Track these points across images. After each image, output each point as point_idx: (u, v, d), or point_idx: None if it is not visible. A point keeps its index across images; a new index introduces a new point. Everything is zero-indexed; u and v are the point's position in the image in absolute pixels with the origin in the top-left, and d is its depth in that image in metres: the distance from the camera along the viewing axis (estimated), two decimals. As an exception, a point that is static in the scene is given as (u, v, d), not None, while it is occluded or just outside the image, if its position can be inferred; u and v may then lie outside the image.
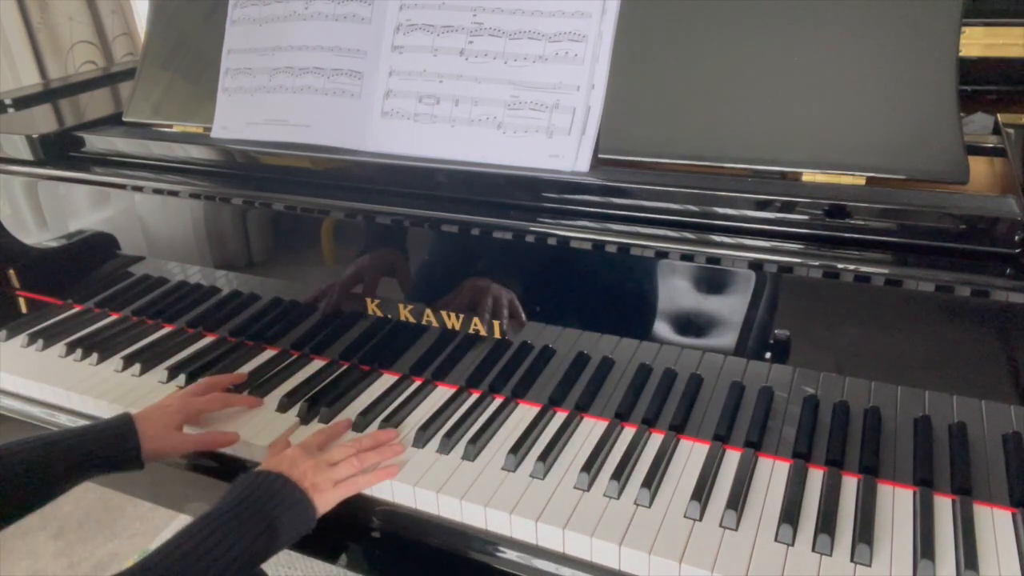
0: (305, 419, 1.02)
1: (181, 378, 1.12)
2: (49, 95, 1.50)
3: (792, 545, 0.79)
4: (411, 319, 1.04)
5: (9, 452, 0.85)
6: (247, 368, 1.14)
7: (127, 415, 0.94)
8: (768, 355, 0.86)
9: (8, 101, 1.43)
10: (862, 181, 0.83)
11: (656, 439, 0.94)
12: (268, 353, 1.17)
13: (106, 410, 1.08)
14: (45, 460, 0.86)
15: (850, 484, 0.85)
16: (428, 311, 1.02)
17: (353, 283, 1.07)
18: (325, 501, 0.85)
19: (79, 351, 1.20)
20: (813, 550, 0.78)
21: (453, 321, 1.01)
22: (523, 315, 0.97)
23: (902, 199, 0.79)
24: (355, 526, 0.93)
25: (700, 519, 0.82)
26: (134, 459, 0.92)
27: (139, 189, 1.16)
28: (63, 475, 0.87)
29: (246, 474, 0.84)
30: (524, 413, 1.01)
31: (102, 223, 1.24)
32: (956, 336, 0.78)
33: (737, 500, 0.83)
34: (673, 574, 0.78)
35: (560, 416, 0.99)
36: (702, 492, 0.84)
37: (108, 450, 0.90)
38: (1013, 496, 0.81)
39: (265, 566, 0.92)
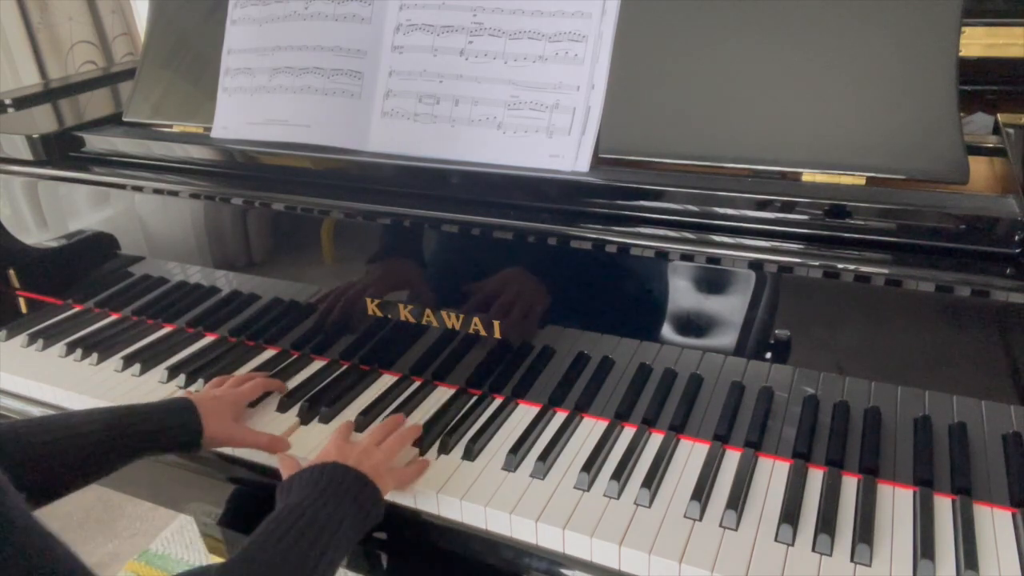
0: (305, 419, 1.02)
1: (181, 378, 1.12)
2: (49, 95, 1.50)
3: (792, 545, 0.79)
4: (411, 319, 1.04)
5: (86, 423, 0.84)
6: (247, 368, 1.14)
7: (187, 400, 0.94)
8: (768, 355, 0.86)
9: (8, 101, 1.43)
10: (862, 181, 0.83)
11: (656, 439, 0.94)
12: (268, 353, 1.17)
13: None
14: (116, 436, 0.85)
15: (850, 484, 0.85)
16: (428, 311, 1.02)
17: (353, 283, 1.07)
18: (385, 486, 0.84)
19: (79, 351, 1.20)
20: (813, 550, 0.78)
21: (453, 321, 1.01)
22: (523, 315, 0.97)
23: (902, 199, 0.79)
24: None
25: (700, 519, 0.82)
26: (195, 441, 0.92)
27: (139, 189, 1.16)
28: (127, 452, 0.87)
29: (306, 468, 0.82)
30: (524, 413, 1.01)
31: (102, 223, 1.24)
32: (956, 336, 0.78)
33: (737, 500, 0.83)
34: (673, 574, 0.78)
35: (560, 416, 0.99)
36: (702, 492, 0.84)
37: (173, 432, 0.90)
38: (1013, 496, 0.81)
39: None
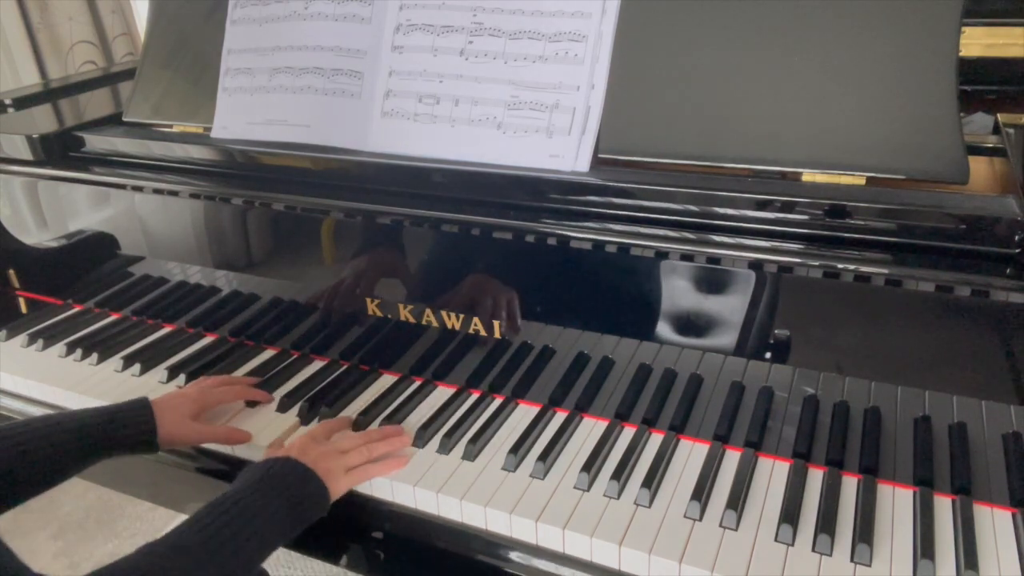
0: (305, 419, 1.02)
1: (181, 378, 1.12)
2: (49, 95, 1.50)
3: (792, 545, 0.79)
4: (411, 319, 1.04)
5: (30, 431, 0.85)
6: (247, 368, 1.14)
7: (144, 399, 0.94)
8: (768, 355, 0.86)
9: (8, 101, 1.43)
10: (862, 181, 0.83)
11: (656, 439, 0.94)
12: (268, 353, 1.17)
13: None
14: (65, 442, 0.86)
15: (850, 484, 0.85)
16: (428, 311, 1.02)
17: (353, 283, 1.07)
18: (338, 486, 0.86)
19: (79, 351, 1.19)
20: (813, 550, 0.78)
21: (453, 321, 1.01)
22: (523, 315, 0.97)
23: (902, 199, 0.79)
24: (355, 526, 0.93)
25: (700, 519, 0.82)
26: (150, 443, 0.92)
27: (139, 189, 1.16)
28: (80, 456, 0.87)
29: (256, 462, 0.85)
30: (524, 413, 1.01)
31: (102, 223, 1.24)
32: (956, 336, 0.78)
33: (737, 500, 0.83)
34: (673, 574, 0.78)
35: (560, 416, 0.99)
36: (702, 492, 0.84)
37: (126, 433, 0.90)
38: (1013, 496, 0.81)
39: (265, 565, 0.92)
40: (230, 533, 0.74)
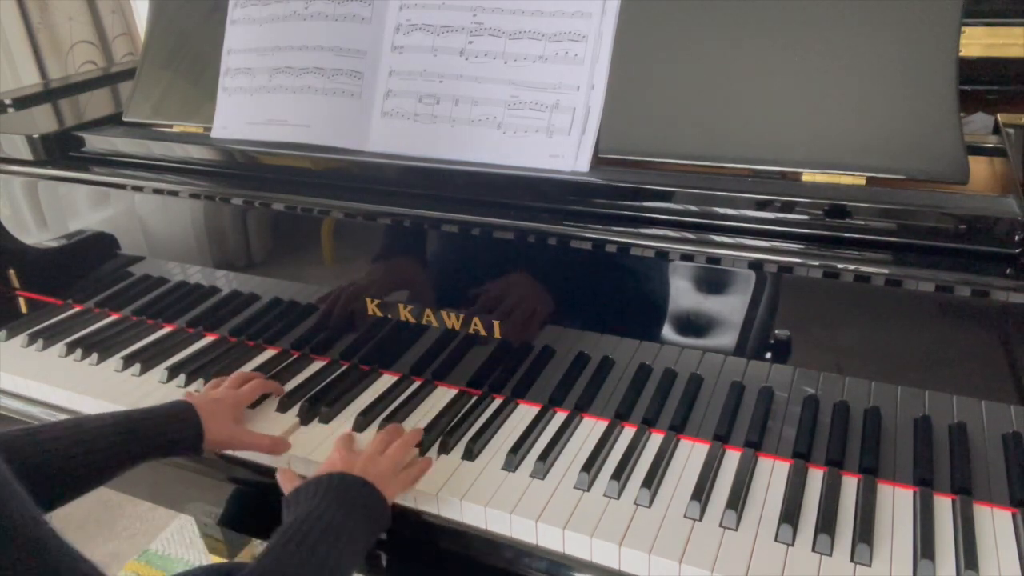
0: (305, 419, 1.02)
1: (181, 378, 1.12)
2: (49, 95, 1.50)
3: (792, 545, 0.79)
4: (411, 319, 1.04)
5: (80, 432, 0.84)
6: (247, 368, 1.14)
7: (187, 403, 0.93)
8: (768, 355, 0.86)
9: (8, 101, 1.43)
10: (862, 181, 0.83)
11: (656, 439, 0.94)
12: (268, 353, 1.17)
13: (107, 410, 1.08)
14: (115, 444, 0.85)
15: (850, 484, 0.85)
16: (428, 311, 1.02)
17: (353, 283, 1.07)
18: (392, 491, 0.85)
19: (79, 351, 1.19)
20: (813, 550, 0.78)
21: (453, 321, 1.01)
22: (523, 315, 0.97)
23: (902, 199, 0.79)
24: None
25: (700, 519, 0.82)
26: (195, 446, 0.92)
27: (139, 189, 1.16)
28: (127, 459, 0.86)
29: (317, 479, 0.81)
30: (524, 413, 1.01)
31: (102, 223, 1.24)
32: (956, 336, 0.78)
33: (737, 500, 0.83)
34: (673, 574, 0.78)
35: (560, 416, 0.99)
36: (702, 492, 0.84)
37: (174, 437, 0.90)
38: (1013, 496, 0.81)
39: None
40: (317, 555, 0.71)
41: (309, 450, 0.96)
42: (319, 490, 0.79)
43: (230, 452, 1.00)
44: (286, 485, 0.86)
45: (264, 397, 1.07)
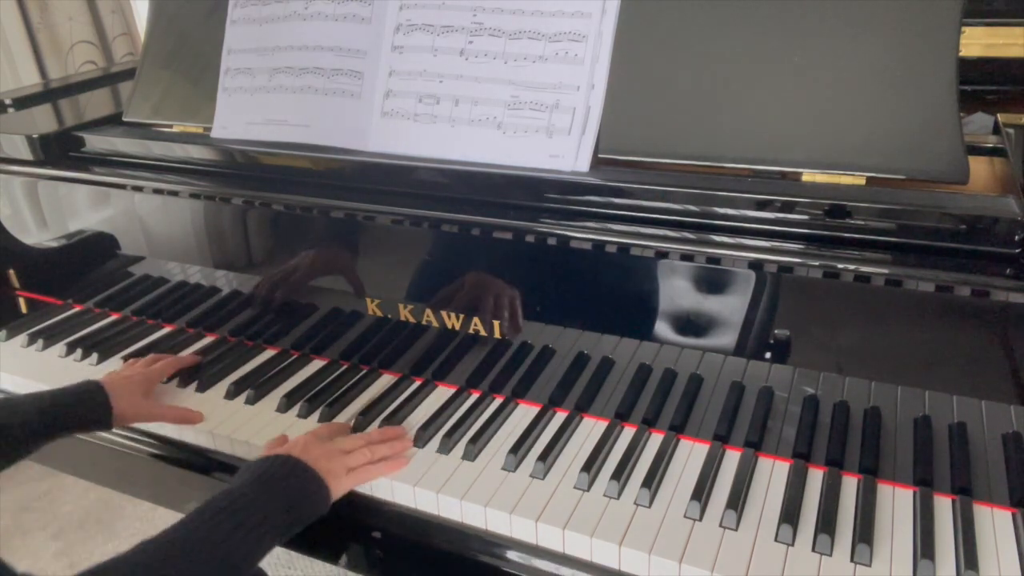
0: (305, 419, 1.02)
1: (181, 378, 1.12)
2: (49, 95, 1.50)
3: (792, 545, 0.79)
4: (411, 319, 1.04)
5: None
6: (247, 368, 1.14)
7: (96, 381, 0.99)
8: (768, 355, 0.86)
9: (8, 101, 1.43)
10: (862, 181, 0.83)
11: (656, 439, 0.94)
12: (268, 353, 1.17)
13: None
14: (26, 423, 0.89)
15: (850, 484, 0.85)
16: (428, 311, 1.02)
17: (353, 283, 1.07)
18: (339, 486, 0.86)
19: (79, 351, 1.20)
20: (813, 550, 0.78)
21: (453, 321, 1.01)
22: (523, 315, 0.97)
23: (902, 199, 0.79)
24: (355, 526, 0.93)
25: (700, 519, 0.82)
26: (104, 420, 0.96)
27: (139, 189, 1.16)
28: (38, 437, 0.90)
29: (257, 459, 0.85)
30: (524, 413, 1.01)
31: (102, 223, 1.24)
32: (956, 336, 0.78)
33: (737, 500, 0.83)
34: (673, 574, 0.78)
35: (560, 416, 0.99)
36: (702, 492, 0.84)
37: (82, 412, 0.95)
38: (1013, 496, 0.81)
39: (264, 566, 0.92)
40: (226, 529, 0.75)
41: (309, 450, 0.96)
42: (254, 467, 0.84)
43: (229, 452, 1.00)
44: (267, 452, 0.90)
45: (265, 391, 1.07)
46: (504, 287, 0.96)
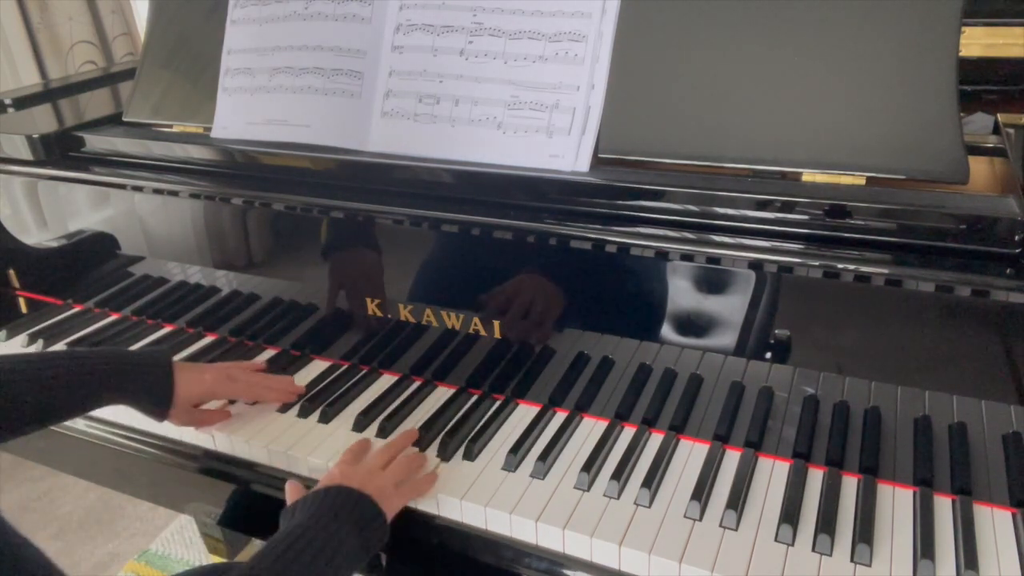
0: (304, 419, 1.02)
1: (181, 378, 1.12)
2: (49, 95, 1.50)
3: (792, 545, 0.79)
4: (411, 319, 1.04)
5: (51, 356, 0.86)
6: (247, 368, 1.14)
7: (167, 362, 0.94)
8: (768, 355, 0.86)
9: (8, 101, 1.43)
10: (862, 181, 0.83)
11: (656, 439, 0.94)
12: (268, 353, 1.17)
13: (108, 410, 1.08)
14: (81, 373, 0.87)
15: (850, 484, 0.85)
16: (428, 311, 1.02)
17: (353, 283, 1.07)
18: (391, 506, 0.83)
19: (79, 351, 1.19)
20: (813, 550, 0.78)
21: (453, 321, 1.01)
22: (523, 315, 0.97)
23: (902, 199, 0.79)
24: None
25: (700, 519, 0.82)
26: (164, 408, 0.93)
27: (139, 189, 1.16)
28: (91, 393, 0.88)
29: (305, 497, 0.81)
30: (524, 413, 1.01)
31: (102, 223, 1.24)
32: (956, 336, 0.78)
33: (737, 500, 0.83)
34: (673, 574, 0.78)
35: (560, 416, 0.99)
36: (702, 492, 0.84)
37: (141, 386, 0.91)
38: (1013, 496, 0.81)
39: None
40: (303, 565, 0.71)
41: (308, 451, 0.96)
42: (315, 501, 0.79)
43: (229, 452, 1.00)
44: (290, 498, 0.86)
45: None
46: (504, 287, 0.96)
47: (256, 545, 1.63)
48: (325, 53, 1.07)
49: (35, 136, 1.22)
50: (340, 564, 0.74)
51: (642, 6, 0.92)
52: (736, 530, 0.81)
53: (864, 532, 0.78)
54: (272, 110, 1.11)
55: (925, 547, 0.76)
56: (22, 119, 1.36)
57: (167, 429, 1.04)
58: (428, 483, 0.89)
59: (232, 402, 1.05)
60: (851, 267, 0.78)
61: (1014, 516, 0.80)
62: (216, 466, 1.02)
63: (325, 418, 1.02)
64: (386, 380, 1.09)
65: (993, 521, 0.80)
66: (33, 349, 1.23)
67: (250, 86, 1.13)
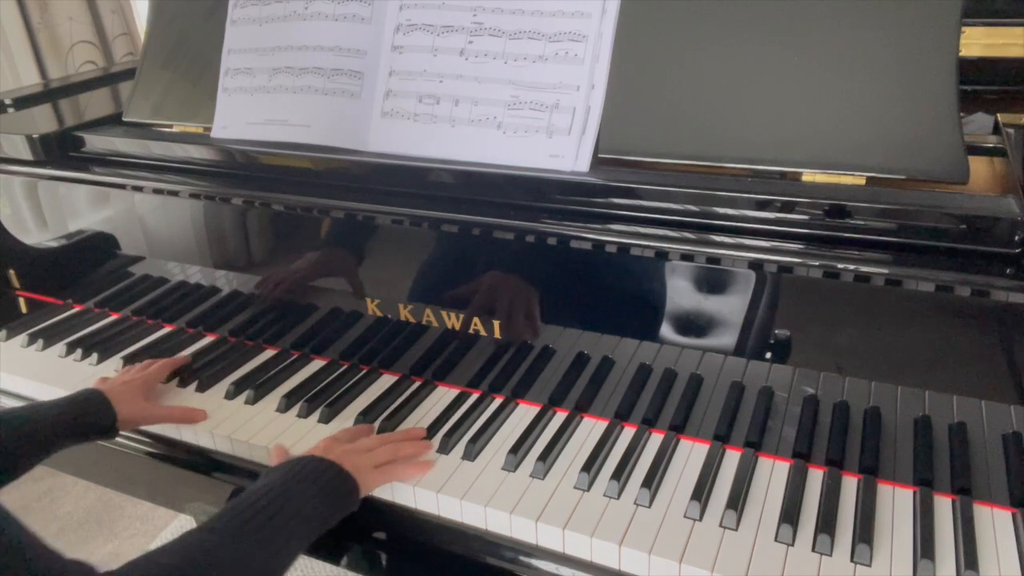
0: (305, 419, 1.02)
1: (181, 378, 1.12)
2: (49, 95, 1.50)
3: (792, 545, 0.79)
4: (411, 319, 1.04)
5: (2, 422, 0.88)
6: (247, 368, 1.14)
7: (97, 390, 0.99)
8: (768, 355, 0.86)
9: (8, 101, 1.43)
10: (862, 181, 0.83)
11: (656, 439, 0.94)
12: (268, 353, 1.17)
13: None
14: (36, 432, 0.89)
15: (850, 484, 0.85)
16: (428, 311, 1.02)
17: (353, 283, 1.07)
18: (367, 482, 0.86)
19: (79, 351, 1.19)
20: (813, 550, 0.78)
21: (453, 321, 1.01)
22: (523, 315, 0.97)
23: (902, 199, 0.79)
24: (355, 526, 0.93)
25: (700, 519, 0.82)
26: (110, 426, 0.96)
27: (139, 189, 1.16)
28: (47, 448, 0.91)
29: (281, 463, 0.84)
30: (524, 413, 1.01)
31: (102, 223, 1.24)
32: (956, 336, 0.78)
33: (737, 500, 0.83)
34: (673, 574, 0.78)
35: (560, 416, 0.99)
36: (702, 492, 0.84)
37: (85, 419, 0.94)
38: (1013, 496, 0.81)
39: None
40: (259, 523, 0.74)
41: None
42: (288, 467, 0.83)
43: (230, 452, 1.00)
44: (275, 460, 0.90)
45: (266, 391, 1.07)
46: (504, 287, 0.96)
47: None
48: (325, 53, 1.07)
49: (35, 136, 1.22)
50: (296, 527, 0.77)
51: (642, 6, 0.92)
52: (736, 530, 0.81)
53: (864, 532, 0.78)
54: (272, 110, 1.11)
55: (925, 547, 0.76)
56: (22, 119, 1.36)
57: (167, 429, 1.04)
58: (414, 469, 0.90)
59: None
60: (851, 267, 0.78)
61: (1014, 516, 0.80)
62: (216, 466, 1.02)
63: (325, 418, 1.02)
64: (386, 380, 1.09)
65: (993, 521, 0.80)
66: (33, 349, 1.23)
67: (250, 86, 1.13)
